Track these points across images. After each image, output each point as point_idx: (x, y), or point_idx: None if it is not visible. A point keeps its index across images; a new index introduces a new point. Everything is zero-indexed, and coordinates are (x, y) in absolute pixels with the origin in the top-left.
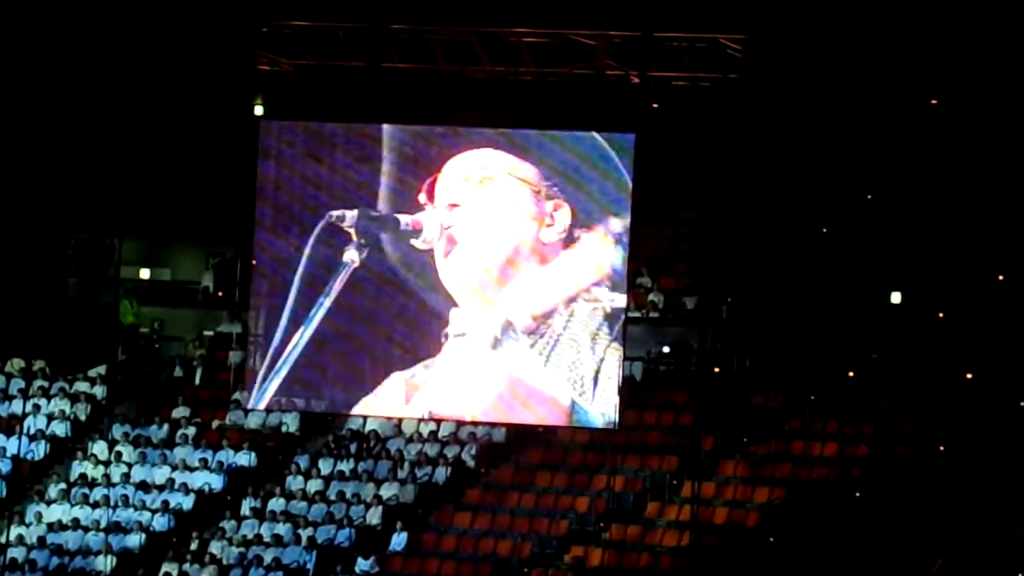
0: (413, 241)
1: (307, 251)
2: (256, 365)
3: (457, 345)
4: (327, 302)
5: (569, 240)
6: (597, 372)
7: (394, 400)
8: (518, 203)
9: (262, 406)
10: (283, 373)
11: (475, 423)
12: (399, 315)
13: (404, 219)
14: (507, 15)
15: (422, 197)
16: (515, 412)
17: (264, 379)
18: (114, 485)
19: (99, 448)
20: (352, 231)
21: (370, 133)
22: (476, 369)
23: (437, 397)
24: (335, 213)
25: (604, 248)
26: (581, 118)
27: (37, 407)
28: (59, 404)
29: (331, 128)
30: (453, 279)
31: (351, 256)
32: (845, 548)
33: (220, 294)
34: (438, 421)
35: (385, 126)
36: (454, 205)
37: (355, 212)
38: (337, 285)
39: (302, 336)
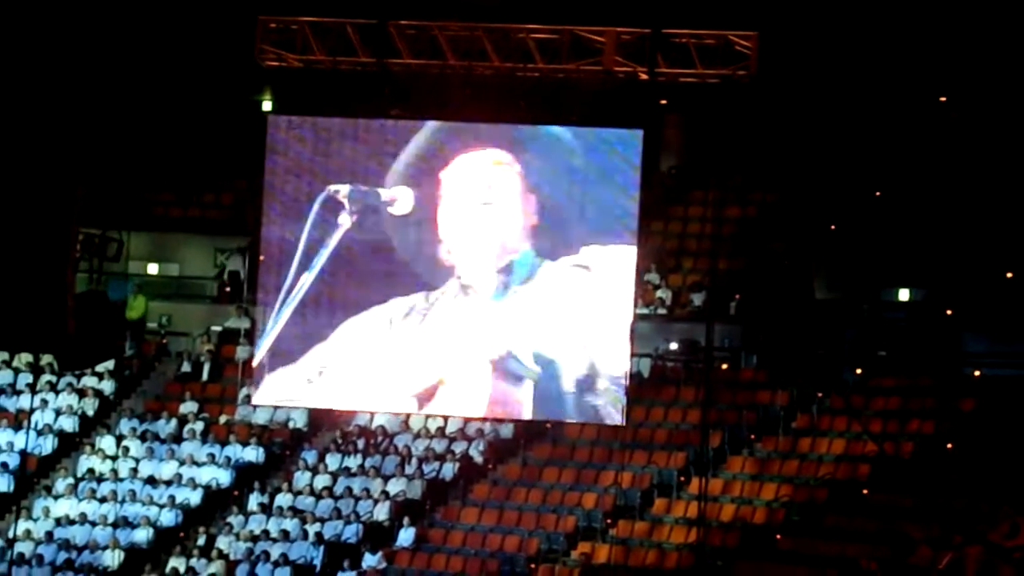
0: (390, 210)
1: (308, 225)
2: (263, 360)
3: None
4: (325, 253)
5: None
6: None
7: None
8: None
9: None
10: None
11: (484, 419)
12: (382, 276)
13: (384, 192)
14: (515, 11)
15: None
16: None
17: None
18: (121, 480)
19: (107, 443)
20: (345, 201)
21: (378, 128)
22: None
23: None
24: (332, 187)
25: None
26: (589, 114)
27: (45, 402)
28: (67, 399)
29: (339, 123)
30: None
31: (343, 219)
32: (851, 546)
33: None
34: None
35: (393, 122)
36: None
37: (348, 187)
38: (332, 242)
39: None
